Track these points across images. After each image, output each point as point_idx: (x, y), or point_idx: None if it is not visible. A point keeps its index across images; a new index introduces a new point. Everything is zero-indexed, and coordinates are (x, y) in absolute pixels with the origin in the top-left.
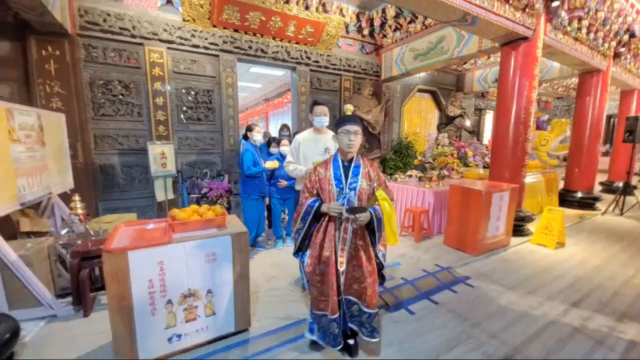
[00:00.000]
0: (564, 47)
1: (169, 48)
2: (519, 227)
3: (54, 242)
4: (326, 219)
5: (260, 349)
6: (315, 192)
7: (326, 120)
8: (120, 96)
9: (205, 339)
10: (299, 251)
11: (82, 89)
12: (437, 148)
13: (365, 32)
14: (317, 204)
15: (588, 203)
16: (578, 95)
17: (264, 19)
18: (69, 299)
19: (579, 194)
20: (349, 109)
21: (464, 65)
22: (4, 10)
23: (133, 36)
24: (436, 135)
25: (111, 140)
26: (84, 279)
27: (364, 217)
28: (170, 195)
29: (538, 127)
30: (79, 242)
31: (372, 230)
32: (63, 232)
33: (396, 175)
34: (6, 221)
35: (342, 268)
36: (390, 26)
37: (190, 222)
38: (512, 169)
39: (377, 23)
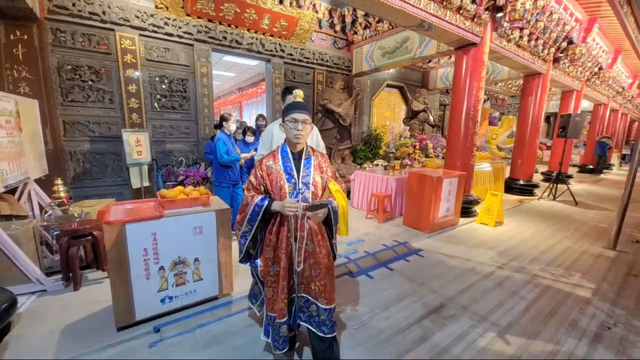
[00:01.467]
0: (508, 53)
1: (141, 35)
2: (467, 209)
3: (37, 224)
4: (278, 218)
5: (242, 308)
6: (262, 188)
7: None
8: (90, 82)
9: (193, 301)
10: (248, 259)
11: (49, 74)
12: (399, 140)
13: (337, 28)
14: (266, 203)
15: (528, 190)
16: (522, 95)
17: (238, 10)
18: (57, 276)
19: (521, 182)
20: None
21: (429, 64)
22: None
23: (103, 21)
24: (397, 128)
25: (82, 127)
26: (74, 255)
27: (322, 212)
28: (146, 183)
29: (490, 123)
30: (60, 224)
31: (328, 224)
32: (47, 214)
33: (365, 165)
34: None
35: (299, 268)
36: (360, 24)
37: (178, 199)
38: (462, 158)
39: (348, 20)
